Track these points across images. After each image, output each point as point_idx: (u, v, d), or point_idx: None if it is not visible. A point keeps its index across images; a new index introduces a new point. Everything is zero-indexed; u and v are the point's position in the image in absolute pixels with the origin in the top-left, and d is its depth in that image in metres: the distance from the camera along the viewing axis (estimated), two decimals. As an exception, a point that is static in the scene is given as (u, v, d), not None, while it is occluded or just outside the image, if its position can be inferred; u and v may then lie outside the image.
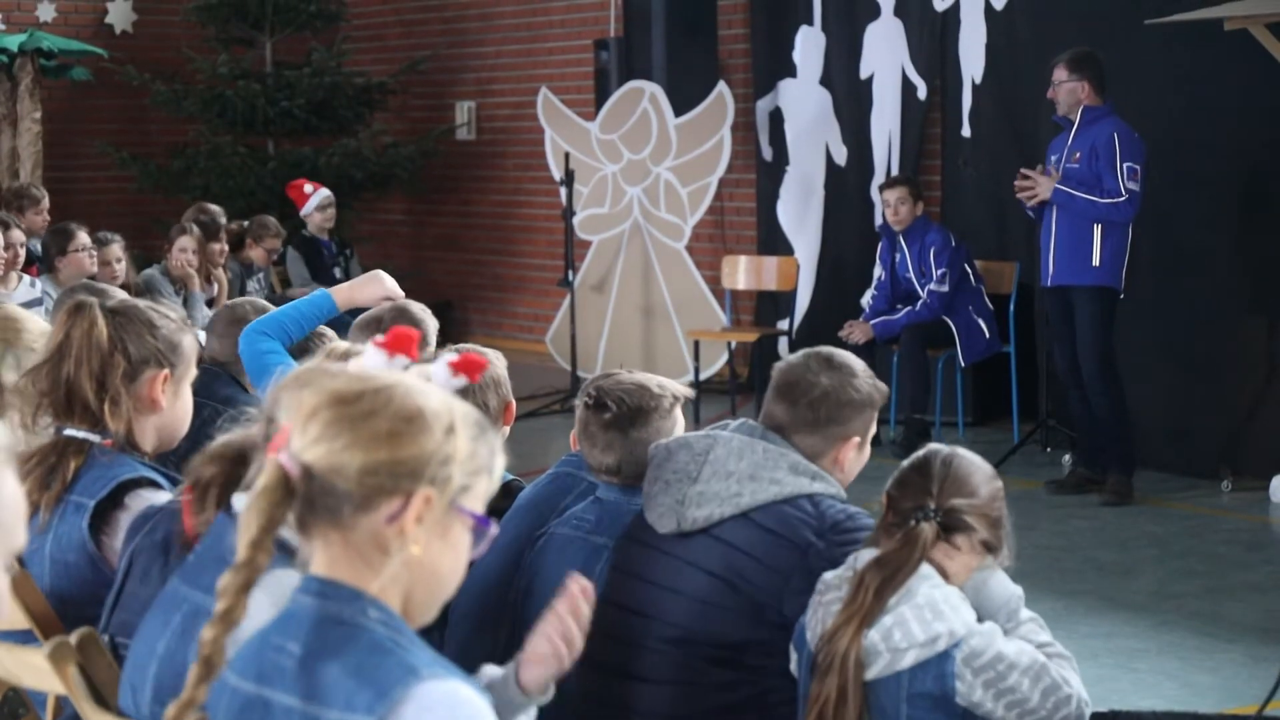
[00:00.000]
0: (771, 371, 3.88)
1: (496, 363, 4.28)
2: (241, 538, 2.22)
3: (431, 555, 2.25)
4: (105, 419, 3.58)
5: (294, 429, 2.23)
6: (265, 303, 5.64)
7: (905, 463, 3.53)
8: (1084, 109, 8.65)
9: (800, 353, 3.91)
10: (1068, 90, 8.69)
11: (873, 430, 3.87)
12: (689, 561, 3.69)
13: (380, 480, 2.20)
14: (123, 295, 5.04)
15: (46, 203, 10.64)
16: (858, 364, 3.86)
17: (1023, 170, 8.81)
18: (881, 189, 10.35)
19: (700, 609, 3.66)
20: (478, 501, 2.28)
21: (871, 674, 3.34)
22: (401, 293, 4.94)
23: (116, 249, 9.47)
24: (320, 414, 2.22)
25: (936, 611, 3.32)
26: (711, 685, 3.65)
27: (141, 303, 3.81)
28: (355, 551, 2.23)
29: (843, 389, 3.77)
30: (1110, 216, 8.50)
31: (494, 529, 2.28)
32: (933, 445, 3.55)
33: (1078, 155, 8.64)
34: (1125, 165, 8.49)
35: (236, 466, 2.91)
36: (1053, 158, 8.84)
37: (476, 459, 2.27)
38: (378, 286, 4.91)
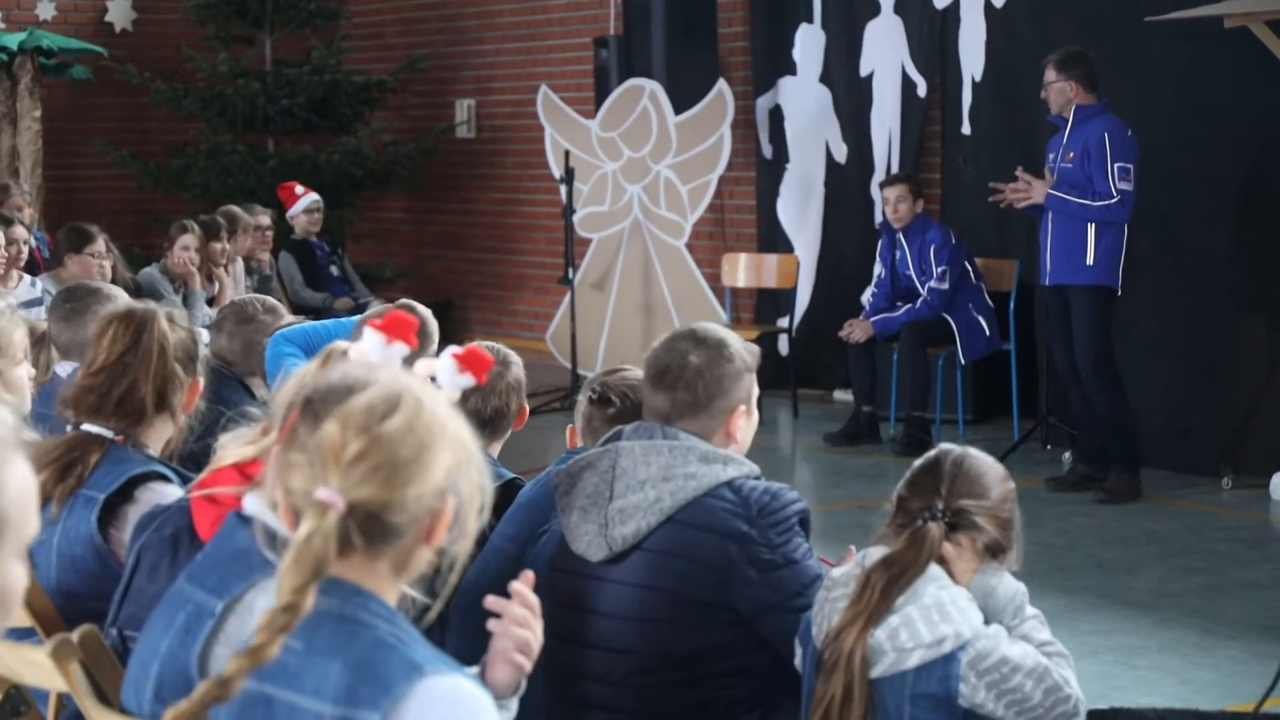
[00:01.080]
0: (643, 364, 3.77)
1: (518, 367, 4.29)
2: (287, 579, 2.16)
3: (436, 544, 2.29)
4: (147, 425, 3.64)
5: (330, 468, 2.21)
6: (274, 301, 5.62)
7: (917, 462, 3.51)
8: (1076, 108, 8.64)
9: (665, 336, 3.79)
10: (1057, 90, 8.69)
11: (755, 393, 3.77)
12: (627, 583, 3.61)
13: (428, 503, 2.23)
14: (124, 296, 5.07)
15: (26, 199, 10.43)
16: (725, 333, 3.75)
17: (1018, 172, 8.81)
18: (881, 186, 10.35)
19: (648, 628, 3.58)
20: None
21: (876, 673, 3.34)
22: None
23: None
24: (370, 456, 2.20)
25: (943, 613, 3.32)
26: (686, 707, 3.59)
27: (176, 311, 3.86)
28: (384, 565, 2.25)
29: (715, 362, 3.66)
30: (1104, 218, 8.50)
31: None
32: (945, 445, 3.51)
33: (1071, 155, 8.64)
34: (1116, 166, 8.48)
35: None
36: (1050, 156, 8.85)
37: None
38: None
